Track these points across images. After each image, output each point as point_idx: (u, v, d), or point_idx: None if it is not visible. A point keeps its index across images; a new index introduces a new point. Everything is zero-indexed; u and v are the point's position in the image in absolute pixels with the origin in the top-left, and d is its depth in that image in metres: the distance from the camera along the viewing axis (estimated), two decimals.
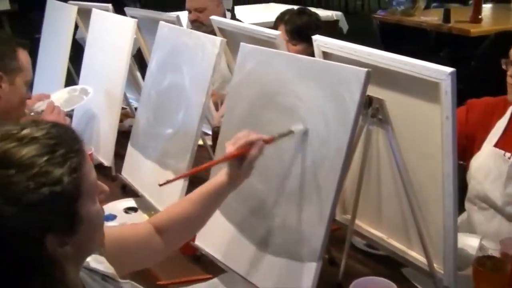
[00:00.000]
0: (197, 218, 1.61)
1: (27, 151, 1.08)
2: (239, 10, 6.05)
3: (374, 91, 1.60)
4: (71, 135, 1.16)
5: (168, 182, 1.52)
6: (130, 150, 2.37)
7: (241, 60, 1.83)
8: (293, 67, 1.65)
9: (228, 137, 1.86)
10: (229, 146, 1.54)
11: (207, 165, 1.66)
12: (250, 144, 1.53)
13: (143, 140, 2.28)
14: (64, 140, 1.13)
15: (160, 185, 1.51)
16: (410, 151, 1.62)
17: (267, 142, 1.56)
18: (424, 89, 1.49)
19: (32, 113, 2.43)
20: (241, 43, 1.85)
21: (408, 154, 1.63)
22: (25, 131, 1.11)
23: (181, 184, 1.99)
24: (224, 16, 3.59)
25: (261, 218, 1.70)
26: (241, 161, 1.54)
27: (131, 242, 1.52)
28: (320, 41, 1.82)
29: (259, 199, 1.72)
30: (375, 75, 1.48)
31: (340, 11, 6.87)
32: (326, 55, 1.82)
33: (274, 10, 6.86)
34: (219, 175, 1.59)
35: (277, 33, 2.05)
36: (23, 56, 2.17)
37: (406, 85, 1.55)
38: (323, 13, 6.12)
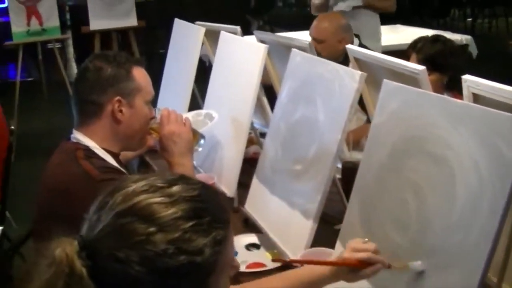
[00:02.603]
0: None
1: (174, 211, 0.99)
2: None
3: None
4: (220, 202, 1.06)
5: (280, 260, 1.61)
6: (255, 183, 2.26)
7: (384, 99, 1.69)
8: (443, 111, 1.49)
9: (366, 182, 1.73)
10: (348, 250, 1.49)
11: (323, 262, 1.59)
12: (369, 263, 1.46)
13: (270, 174, 2.17)
14: (213, 206, 1.04)
15: (273, 260, 1.57)
16: None
17: (385, 267, 1.48)
18: None
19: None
20: (384, 80, 1.70)
21: None
22: (175, 188, 1.02)
23: (310, 225, 1.86)
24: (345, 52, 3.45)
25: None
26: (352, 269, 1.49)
27: None
28: (470, 81, 1.65)
29: (394, 253, 1.56)
30: None
31: (467, 33, 6.59)
32: (476, 97, 1.65)
33: (401, 33, 6.67)
34: (322, 268, 1.53)
35: (420, 68, 1.89)
36: (139, 74, 2.08)
37: None
38: (452, 37, 5.85)
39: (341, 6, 4.82)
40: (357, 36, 3.63)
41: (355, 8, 4.84)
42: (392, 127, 1.64)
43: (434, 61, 2.80)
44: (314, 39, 3.43)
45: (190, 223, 0.99)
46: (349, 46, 2.28)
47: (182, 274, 0.98)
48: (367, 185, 1.74)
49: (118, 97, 2.03)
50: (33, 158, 5.32)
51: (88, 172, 1.92)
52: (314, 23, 3.58)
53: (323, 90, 1.94)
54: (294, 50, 2.20)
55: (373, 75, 2.07)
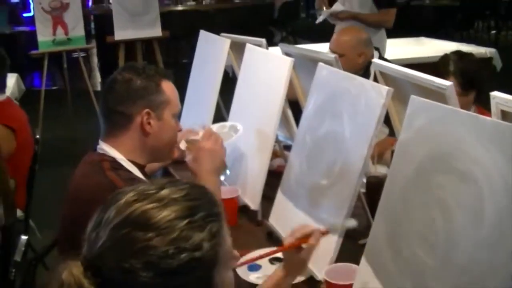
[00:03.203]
0: None
1: (167, 213, 1.03)
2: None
3: None
4: (210, 197, 1.10)
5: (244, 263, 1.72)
6: (280, 197, 2.25)
7: (411, 115, 1.67)
8: (471, 128, 1.47)
9: (392, 198, 1.72)
10: (287, 238, 1.68)
11: (272, 251, 1.76)
12: (308, 236, 1.67)
13: (294, 188, 2.16)
14: (204, 202, 1.07)
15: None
16: None
17: (323, 234, 1.71)
18: None
19: (186, 144, 2.39)
20: (412, 96, 1.69)
21: None
22: (164, 192, 1.06)
23: (335, 241, 1.86)
24: (365, 66, 3.45)
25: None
26: (298, 251, 1.68)
27: None
28: (499, 98, 1.63)
29: (420, 270, 1.55)
30: None
31: (491, 46, 6.55)
32: (505, 114, 1.63)
33: (425, 45, 6.65)
34: (274, 272, 1.72)
35: (448, 84, 1.87)
36: (167, 87, 2.10)
37: None
38: (476, 50, 5.84)
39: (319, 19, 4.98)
40: (377, 49, 3.61)
41: (348, 21, 4.89)
42: (420, 143, 1.63)
43: (461, 77, 2.78)
44: (334, 52, 3.41)
45: (185, 222, 1.02)
46: (374, 60, 2.28)
47: (187, 271, 1.01)
48: (393, 202, 1.73)
49: (147, 109, 2.04)
50: (56, 167, 5.37)
51: (115, 183, 1.93)
52: (334, 36, 3.57)
53: (349, 105, 1.93)
54: (320, 64, 2.19)
55: (399, 89, 2.06)
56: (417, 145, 1.63)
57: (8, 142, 3.14)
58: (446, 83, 1.88)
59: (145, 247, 1.00)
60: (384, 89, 1.80)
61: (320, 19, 5.01)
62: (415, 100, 1.68)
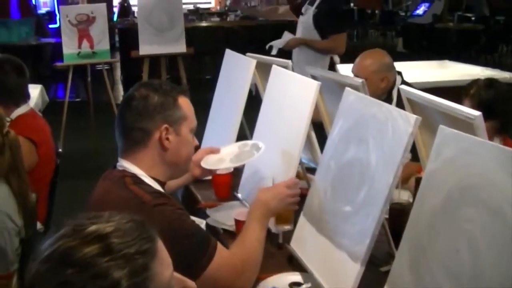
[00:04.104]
0: None
1: (89, 250, 1.04)
2: (409, 67, 5.85)
3: None
4: (143, 232, 1.11)
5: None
6: (302, 221, 2.24)
7: (439, 145, 1.66)
8: (500, 160, 1.45)
9: (418, 227, 1.70)
10: None
11: None
12: None
13: (318, 213, 2.15)
14: (133, 238, 1.08)
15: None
16: None
17: None
18: None
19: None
20: (440, 126, 1.68)
21: None
22: (93, 227, 1.08)
23: (358, 269, 1.84)
24: (387, 90, 3.45)
25: None
26: None
27: None
28: None
29: None
30: None
31: None
32: None
33: (449, 69, 6.62)
34: None
35: (476, 114, 1.85)
36: (184, 103, 2.12)
37: None
38: (500, 75, 5.81)
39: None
40: (399, 73, 3.60)
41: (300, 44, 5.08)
42: (447, 174, 1.61)
43: (487, 107, 2.75)
44: (356, 76, 3.40)
45: (106, 258, 1.04)
46: (402, 86, 2.26)
47: None
48: (418, 231, 1.71)
49: (165, 125, 2.05)
50: (77, 179, 5.39)
51: (140, 197, 1.93)
52: (357, 60, 3.56)
53: (376, 132, 1.92)
54: (347, 89, 2.18)
55: (425, 115, 2.05)
56: (444, 175, 1.62)
57: (30, 156, 3.15)
58: (475, 113, 1.86)
59: (64, 283, 1.03)
60: (412, 117, 1.79)
61: (274, 51, 5.15)
62: (443, 130, 1.67)
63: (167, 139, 2.06)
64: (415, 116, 1.79)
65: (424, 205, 1.68)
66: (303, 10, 5.18)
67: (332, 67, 5.05)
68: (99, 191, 2.06)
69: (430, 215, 1.64)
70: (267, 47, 5.24)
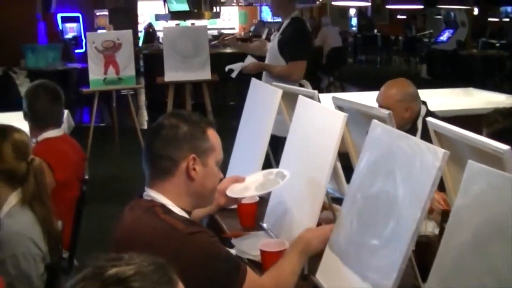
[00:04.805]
0: None
1: None
2: (433, 94, 5.83)
3: None
4: (164, 275, 1.13)
5: None
6: (328, 252, 2.23)
7: (468, 180, 1.66)
8: None
9: (445, 262, 1.69)
10: None
11: None
12: None
13: (344, 245, 2.14)
14: (152, 282, 1.10)
15: None
16: None
17: None
18: None
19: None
20: (469, 162, 1.67)
21: None
22: (113, 271, 1.09)
23: None
24: (411, 120, 3.44)
25: None
26: None
27: None
28: None
29: None
30: None
31: None
32: None
33: (474, 96, 6.58)
34: None
35: (505, 148, 1.84)
36: (212, 135, 2.15)
37: None
38: None
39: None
40: (424, 103, 3.58)
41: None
42: (476, 210, 1.60)
43: (501, 136, 2.71)
44: (380, 105, 3.39)
45: None
46: (429, 119, 2.26)
47: None
48: (446, 266, 1.70)
49: (193, 155, 2.07)
50: (101, 205, 5.42)
51: (174, 225, 1.96)
52: (382, 89, 3.54)
53: (404, 165, 1.92)
54: (374, 121, 2.18)
55: (452, 147, 2.04)
56: (473, 211, 1.61)
57: (48, 177, 3.17)
58: (503, 147, 1.85)
59: None
60: (440, 152, 1.78)
61: (234, 74, 5.22)
62: (472, 165, 1.66)
63: (194, 169, 2.08)
64: (443, 150, 1.79)
65: (452, 241, 1.67)
66: (271, 37, 5.22)
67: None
68: (128, 221, 2.07)
69: (459, 250, 1.64)
70: (226, 69, 5.32)
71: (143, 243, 1.93)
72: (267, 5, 20.06)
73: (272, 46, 5.11)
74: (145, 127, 9.82)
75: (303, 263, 2.21)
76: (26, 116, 3.56)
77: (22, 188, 2.62)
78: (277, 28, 5.25)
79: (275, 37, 5.08)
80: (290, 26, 5.02)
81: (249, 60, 5.23)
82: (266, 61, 5.16)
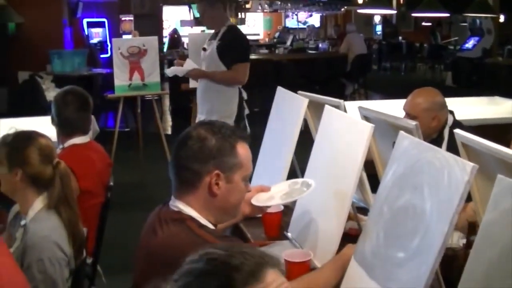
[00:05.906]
0: None
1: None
2: (459, 102, 5.78)
3: None
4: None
5: None
6: (353, 264, 2.22)
7: (497, 195, 1.64)
8: None
9: (474, 278, 1.67)
10: None
11: None
12: None
13: (369, 258, 2.13)
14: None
15: None
16: None
17: None
18: None
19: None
20: (498, 176, 1.66)
21: None
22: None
23: None
24: (438, 130, 3.41)
25: None
26: None
27: None
28: None
29: None
30: None
31: None
32: None
33: (499, 105, 6.51)
34: None
35: None
36: (242, 150, 2.09)
37: None
38: None
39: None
40: (451, 112, 3.56)
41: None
42: (505, 226, 1.58)
43: None
44: (407, 114, 3.38)
45: None
46: (457, 130, 2.24)
47: None
48: (474, 281, 1.69)
49: (217, 171, 2.03)
50: (125, 211, 5.44)
51: (209, 241, 1.91)
52: (409, 97, 3.52)
53: (431, 179, 1.90)
54: (401, 133, 2.17)
55: (480, 161, 2.02)
56: (502, 227, 1.60)
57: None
58: None
59: None
60: (468, 165, 1.76)
61: (169, 74, 5.41)
62: (502, 180, 1.65)
63: (217, 184, 2.04)
64: (472, 164, 1.77)
65: (481, 256, 1.66)
66: (205, 46, 5.20)
67: (242, 100, 5.07)
68: (161, 235, 2.04)
69: (487, 265, 1.62)
70: (170, 74, 5.40)
71: (180, 259, 1.93)
72: (292, 13, 20.05)
73: (208, 55, 5.10)
74: (169, 132, 9.85)
75: (338, 277, 2.19)
76: (53, 122, 3.59)
77: (48, 192, 2.64)
78: (211, 36, 5.24)
79: (211, 45, 5.08)
80: (228, 33, 5.05)
81: (190, 64, 5.21)
82: (204, 70, 5.16)
